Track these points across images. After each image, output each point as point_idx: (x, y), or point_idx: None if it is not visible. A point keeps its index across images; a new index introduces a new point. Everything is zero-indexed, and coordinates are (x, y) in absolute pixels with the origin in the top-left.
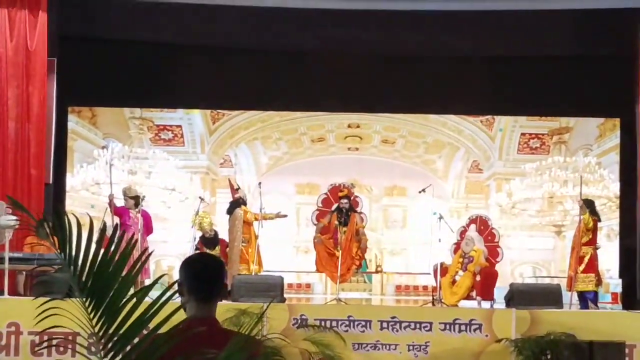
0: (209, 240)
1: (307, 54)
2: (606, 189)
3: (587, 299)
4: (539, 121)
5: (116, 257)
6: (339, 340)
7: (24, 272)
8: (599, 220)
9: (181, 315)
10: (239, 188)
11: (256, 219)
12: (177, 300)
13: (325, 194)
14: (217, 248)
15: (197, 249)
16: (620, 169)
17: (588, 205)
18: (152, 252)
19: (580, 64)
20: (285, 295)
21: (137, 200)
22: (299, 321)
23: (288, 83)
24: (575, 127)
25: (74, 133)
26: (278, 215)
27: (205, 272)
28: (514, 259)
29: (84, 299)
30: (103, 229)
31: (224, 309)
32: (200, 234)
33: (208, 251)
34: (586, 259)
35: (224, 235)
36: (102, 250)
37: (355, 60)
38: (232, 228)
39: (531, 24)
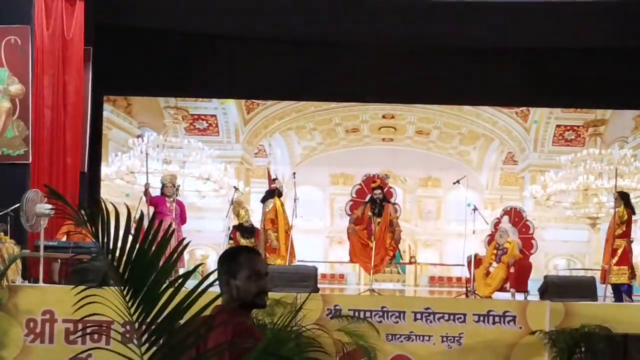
0: (246, 229)
1: (342, 45)
2: None
3: (622, 292)
4: (575, 113)
5: (154, 246)
6: (372, 331)
7: (59, 260)
8: (634, 213)
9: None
10: (276, 178)
11: (272, 222)
12: (214, 290)
13: (360, 184)
14: (253, 238)
15: (230, 238)
16: None
17: (623, 197)
18: (189, 242)
19: (616, 56)
20: (319, 286)
21: (176, 189)
22: (333, 311)
23: (323, 73)
24: (611, 119)
25: (109, 122)
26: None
27: None
28: (548, 251)
29: (122, 288)
30: (141, 218)
31: None
32: (233, 223)
33: (243, 240)
34: (619, 252)
35: (257, 224)
36: (139, 239)
37: (390, 51)
38: (262, 217)
39: (567, 16)
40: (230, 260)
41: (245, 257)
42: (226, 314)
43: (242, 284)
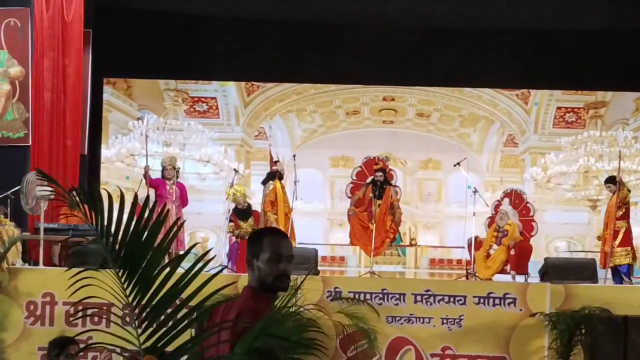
0: (242, 211)
1: (343, 26)
2: None
3: (621, 274)
4: (575, 95)
5: (148, 228)
6: (372, 313)
7: (59, 243)
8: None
9: (212, 287)
10: (277, 161)
11: (271, 204)
12: (210, 271)
13: (360, 166)
14: (251, 220)
15: (230, 221)
16: None
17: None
18: (184, 222)
19: (617, 37)
20: (319, 268)
21: (176, 171)
22: (333, 294)
23: (323, 55)
24: (612, 101)
25: (109, 104)
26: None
27: None
28: (549, 233)
29: (117, 270)
30: (135, 200)
31: None
32: (234, 205)
33: (241, 223)
34: (621, 233)
35: (258, 206)
36: (134, 221)
37: (390, 32)
38: (262, 199)
39: None
40: (254, 241)
41: (268, 239)
42: (245, 295)
43: (263, 265)
